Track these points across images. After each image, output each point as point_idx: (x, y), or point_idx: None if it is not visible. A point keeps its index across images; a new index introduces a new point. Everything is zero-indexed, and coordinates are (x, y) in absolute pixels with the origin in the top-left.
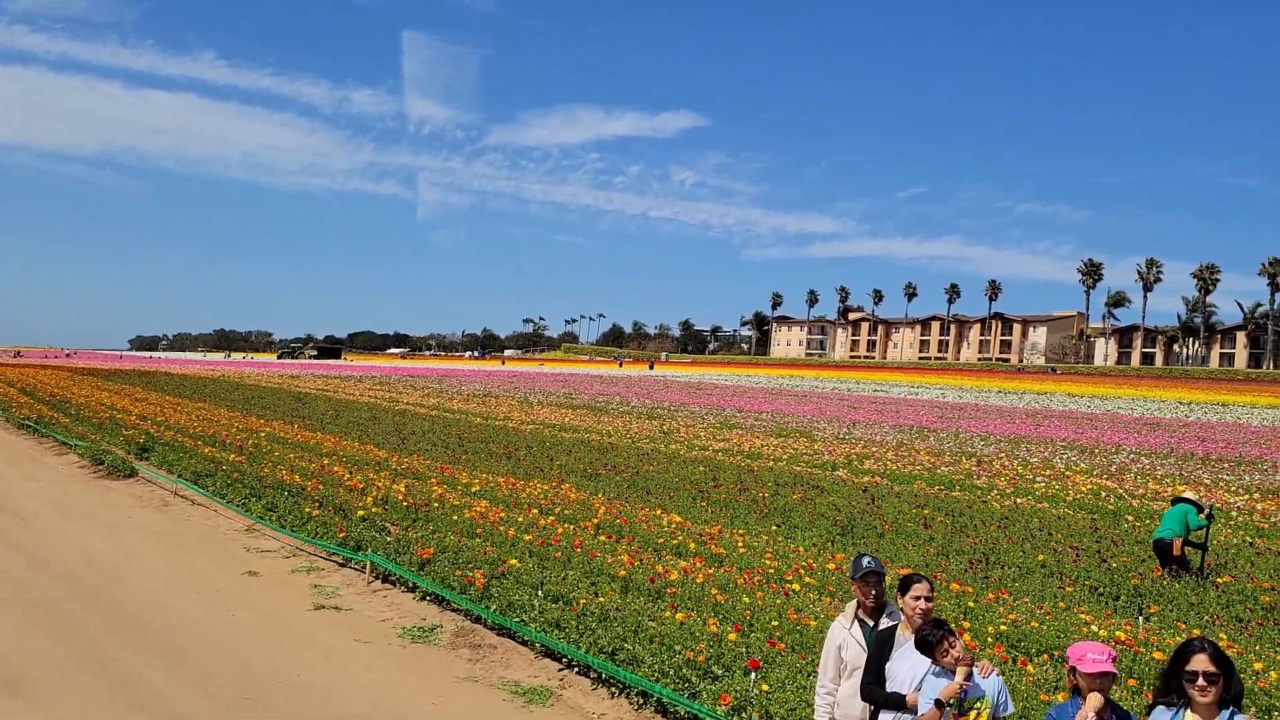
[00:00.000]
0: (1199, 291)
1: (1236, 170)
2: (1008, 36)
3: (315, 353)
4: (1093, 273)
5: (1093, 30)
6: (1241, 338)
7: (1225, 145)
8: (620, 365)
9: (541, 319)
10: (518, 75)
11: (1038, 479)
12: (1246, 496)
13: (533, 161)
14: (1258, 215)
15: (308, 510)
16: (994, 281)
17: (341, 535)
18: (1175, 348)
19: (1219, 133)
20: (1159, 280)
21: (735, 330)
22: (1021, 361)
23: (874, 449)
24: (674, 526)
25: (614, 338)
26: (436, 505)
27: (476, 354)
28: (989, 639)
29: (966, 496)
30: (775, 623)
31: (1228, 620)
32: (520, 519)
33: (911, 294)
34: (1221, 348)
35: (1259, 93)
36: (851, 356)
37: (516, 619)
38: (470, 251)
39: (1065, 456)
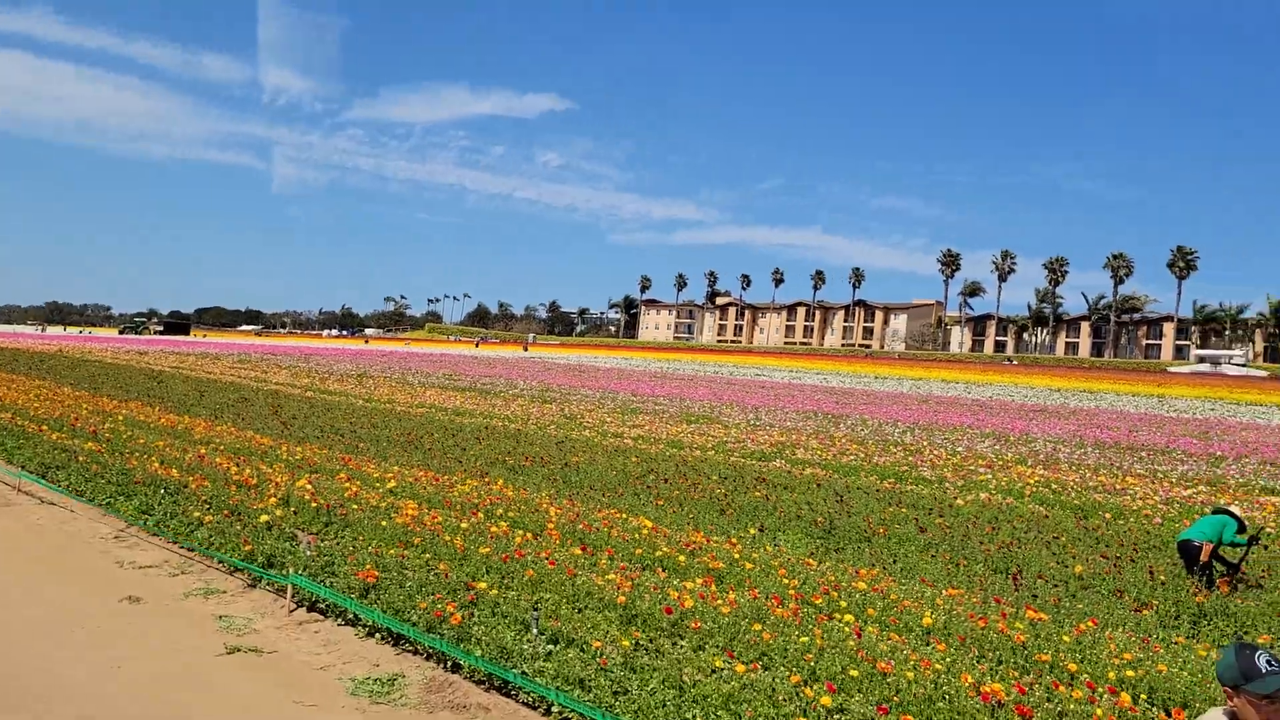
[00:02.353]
0: (1049, 283)
1: (1084, 173)
2: (868, 34)
3: (161, 328)
4: (951, 263)
5: (948, 33)
6: (1086, 327)
7: (1074, 148)
8: (477, 345)
9: (404, 298)
10: (381, 49)
11: (979, 470)
12: (1206, 490)
13: (395, 138)
14: (1103, 213)
15: (195, 514)
16: (857, 270)
17: (247, 547)
18: (1025, 336)
19: (1069, 135)
20: (1013, 271)
21: (603, 313)
22: (883, 347)
23: (794, 436)
24: (647, 533)
25: (479, 318)
26: (354, 506)
27: (347, 332)
28: (1102, 690)
29: (924, 490)
30: (854, 671)
31: None
32: (464, 524)
33: (779, 280)
34: (1067, 337)
35: (1105, 98)
36: (719, 340)
37: (514, 669)
38: (329, 227)
39: (983, 444)
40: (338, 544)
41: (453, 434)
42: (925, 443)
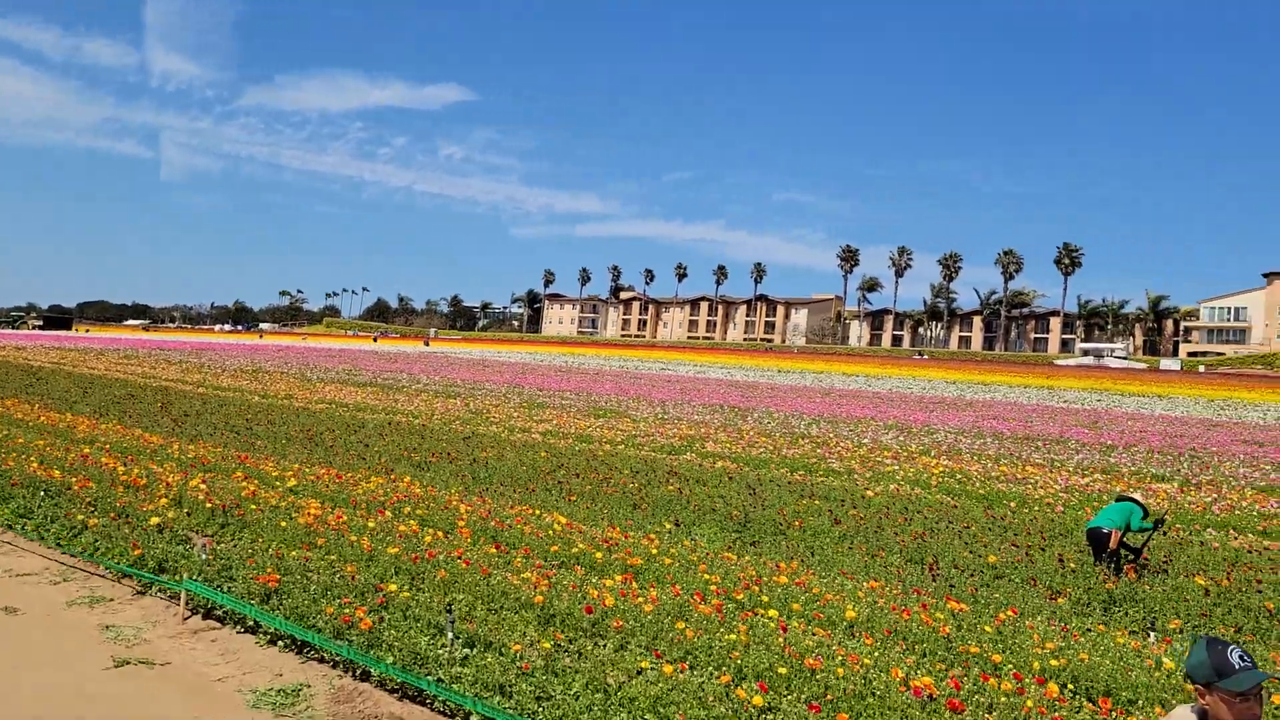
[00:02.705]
0: (943, 279)
1: (977, 169)
2: (772, 28)
3: (41, 323)
4: (850, 259)
5: (847, 30)
6: (978, 322)
7: (968, 146)
8: (375, 340)
9: (300, 292)
10: (275, 35)
11: (886, 461)
12: (1101, 478)
13: (290, 127)
14: (995, 210)
15: (79, 517)
16: (759, 265)
17: (137, 551)
18: (921, 330)
19: (963, 134)
20: (909, 267)
21: (506, 307)
22: (784, 342)
23: (703, 430)
24: (561, 529)
25: (379, 313)
26: (253, 506)
27: (241, 327)
28: (1029, 681)
29: (835, 482)
30: (782, 668)
31: (1228, 624)
32: (370, 524)
33: (682, 275)
34: (961, 331)
35: (997, 96)
36: (623, 335)
37: (429, 676)
38: (220, 218)
39: (888, 436)
40: (235, 546)
41: (355, 430)
42: (832, 435)
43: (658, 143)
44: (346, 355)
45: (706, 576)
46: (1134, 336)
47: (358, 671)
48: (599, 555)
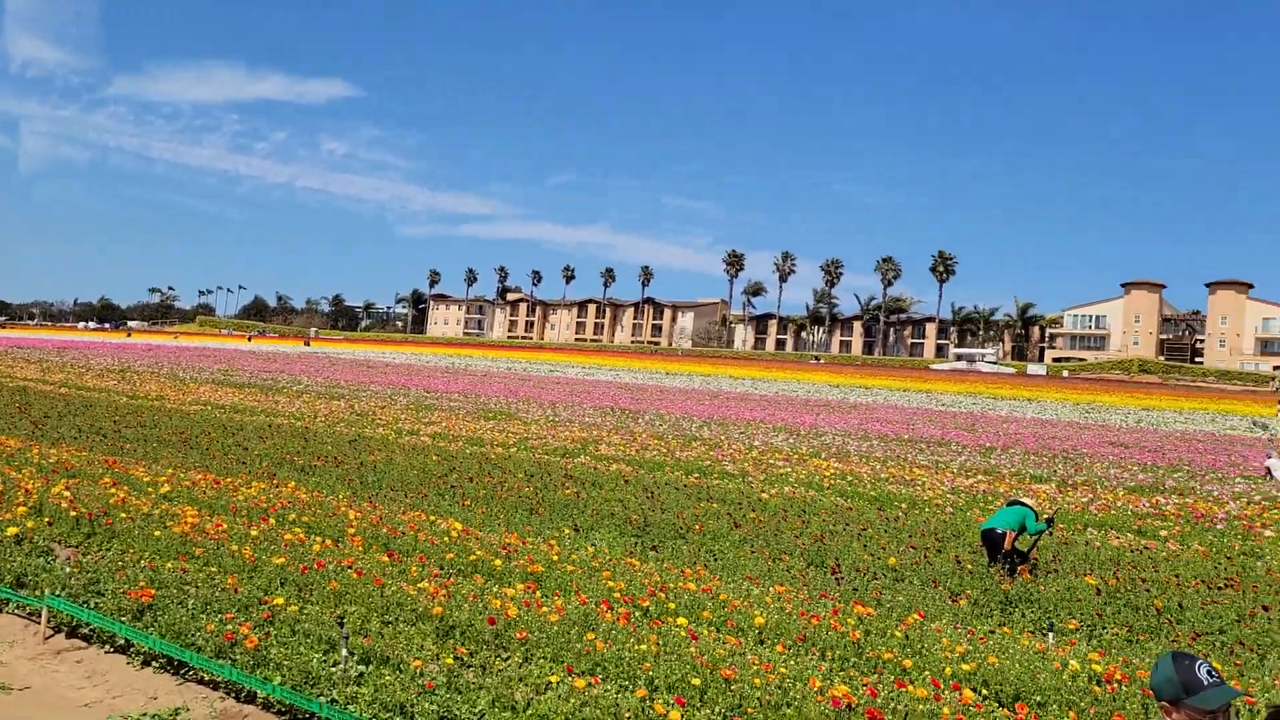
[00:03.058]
0: (825, 284)
1: (857, 179)
2: (653, 29)
3: None
4: (735, 263)
5: (729, 31)
6: (858, 326)
7: (848, 156)
8: (250, 340)
9: (171, 289)
10: (146, 22)
11: (778, 464)
12: (984, 479)
13: (162, 118)
14: (874, 219)
15: None
16: (646, 268)
17: None
18: (803, 334)
19: (844, 144)
20: (793, 272)
21: (390, 307)
22: (671, 344)
23: (595, 432)
24: (457, 535)
25: (256, 311)
26: (122, 515)
27: (108, 325)
28: (946, 687)
29: (730, 485)
30: (696, 679)
31: (1120, 623)
32: (253, 532)
33: (570, 277)
34: (841, 335)
35: (874, 106)
36: (510, 336)
37: (321, 697)
38: (86, 212)
39: (778, 439)
40: (104, 558)
41: (233, 433)
42: (723, 437)
43: (544, 145)
44: (222, 355)
45: (610, 583)
46: (1004, 342)
47: (242, 693)
48: (498, 562)
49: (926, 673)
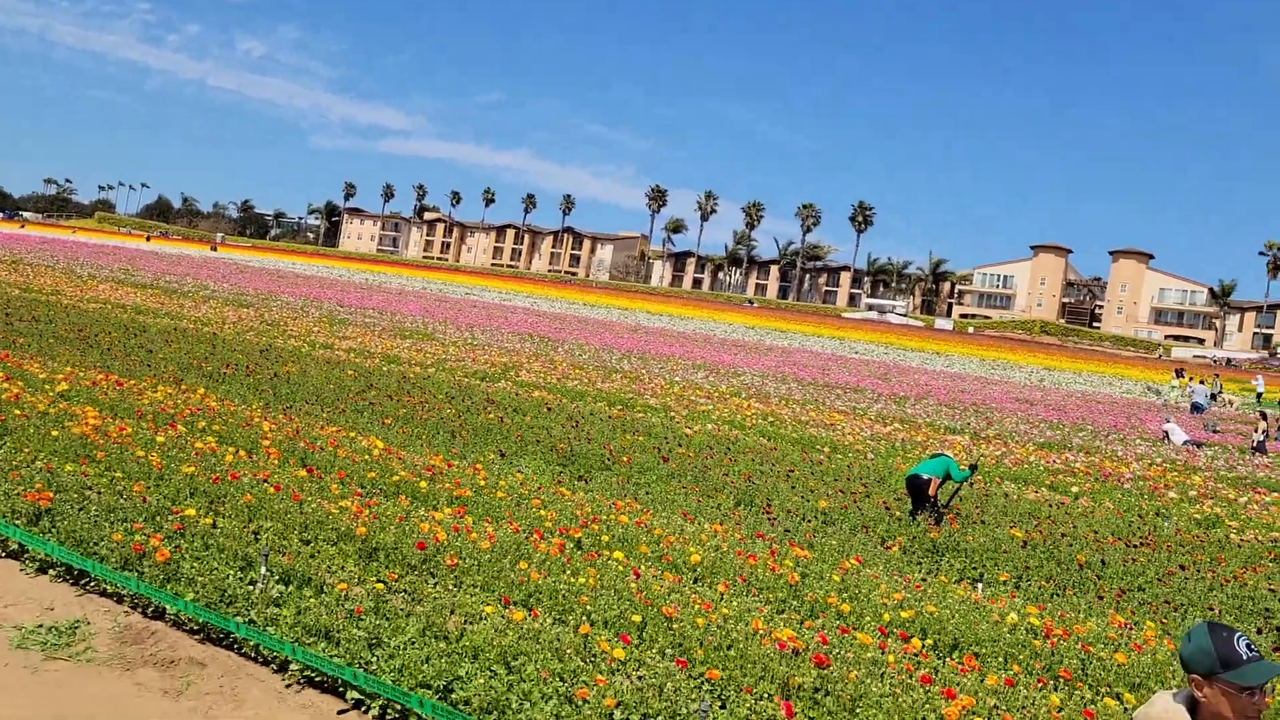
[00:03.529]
0: (746, 226)
1: (783, 125)
2: None
3: None
4: (658, 198)
5: None
6: (775, 271)
7: (776, 101)
8: (148, 240)
9: (69, 181)
10: None
11: (700, 400)
12: (900, 427)
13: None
14: (797, 165)
15: None
16: (568, 196)
17: None
18: (721, 275)
19: (773, 88)
20: (714, 212)
21: (301, 218)
22: (589, 276)
23: (515, 358)
24: (379, 454)
25: (160, 212)
26: (16, 412)
27: (2, 214)
28: (869, 625)
29: (654, 419)
30: (636, 616)
31: (1043, 575)
32: (160, 438)
33: (489, 200)
34: (758, 278)
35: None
36: (425, 257)
37: (238, 617)
38: None
39: (697, 375)
40: None
41: (135, 334)
42: (644, 371)
43: (467, 61)
44: (122, 254)
45: (541, 512)
46: (914, 295)
47: (149, 608)
48: (423, 484)
49: (868, 619)
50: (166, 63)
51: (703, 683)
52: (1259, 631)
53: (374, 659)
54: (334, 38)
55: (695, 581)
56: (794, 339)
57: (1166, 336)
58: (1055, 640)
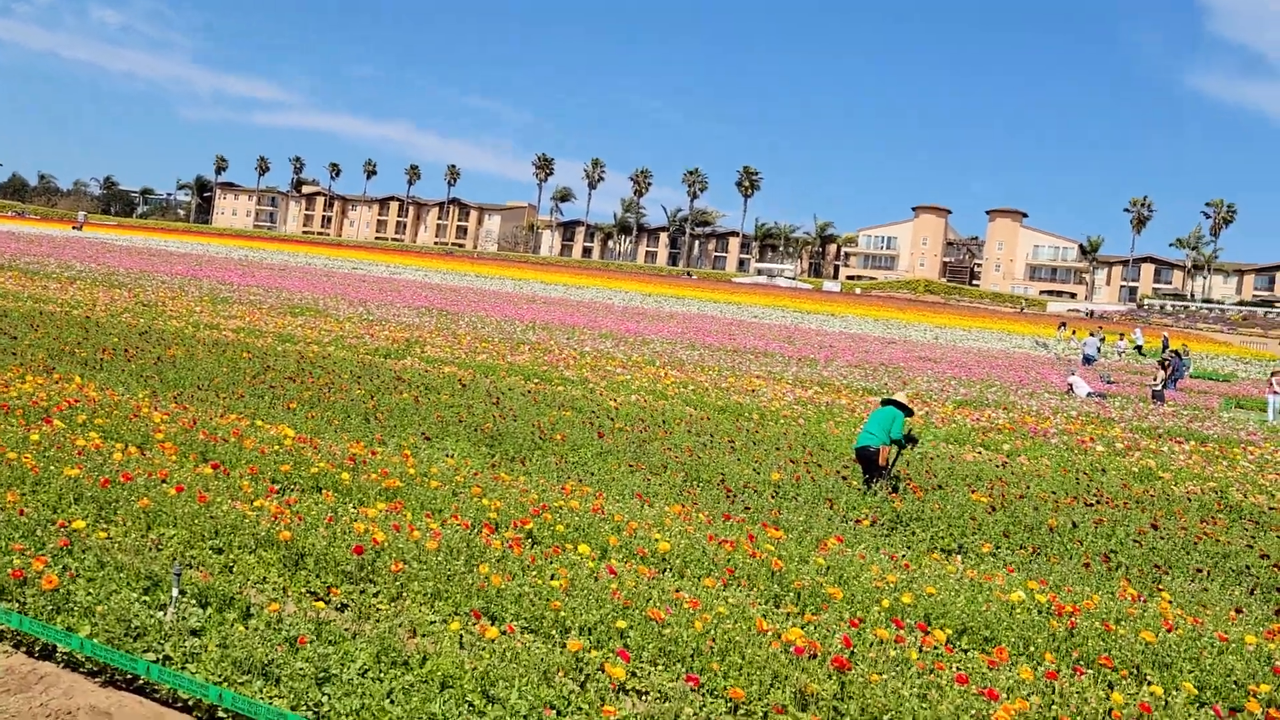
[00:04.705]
0: (634, 194)
1: (663, 95)
2: None
3: None
4: (545, 167)
5: None
6: (664, 238)
7: (657, 70)
8: (80, 228)
9: None
10: None
11: (616, 370)
12: (819, 390)
13: None
14: (684, 131)
15: None
16: (453, 167)
17: None
18: (611, 244)
19: (652, 57)
20: (602, 180)
21: (171, 194)
22: (476, 248)
23: (417, 333)
24: (291, 443)
25: (14, 190)
26: None
27: None
28: (876, 615)
29: (575, 391)
30: (621, 622)
31: (1022, 543)
32: (34, 436)
33: (371, 172)
34: (648, 246)
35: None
36: (305, 232)
37: (149, 654)
38: None
39: (606, 345)
40: None
41: None
42: (551, 342)
43: (338, 32)
44: None
45: (484, 502)
46: (802, 259)
47: (36, 647)
48: (345, 475)
49: (875, 608)
50: (15, 34)
51: (724, 702)
52: (1251, 592)
53: (325, 698)
54: (194, 7)
55: (666, 572)
56: (691, 305)
57: (1041, 292)
58: (1074, 621)
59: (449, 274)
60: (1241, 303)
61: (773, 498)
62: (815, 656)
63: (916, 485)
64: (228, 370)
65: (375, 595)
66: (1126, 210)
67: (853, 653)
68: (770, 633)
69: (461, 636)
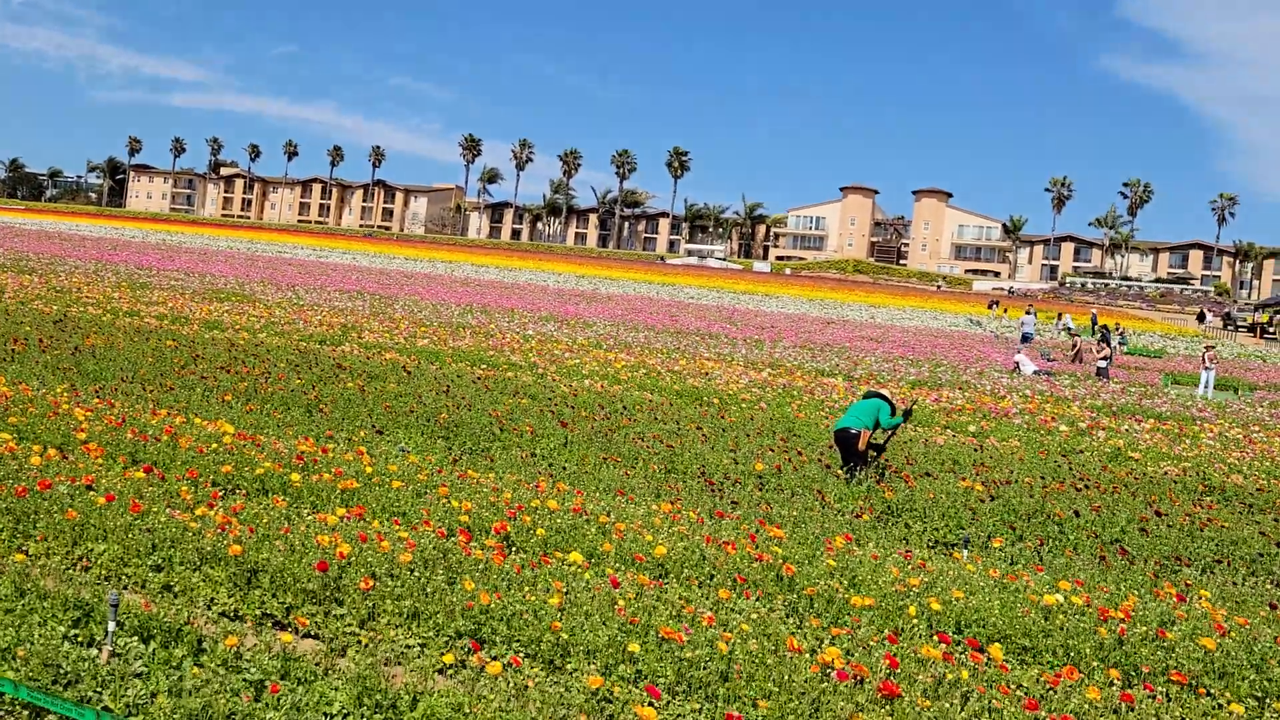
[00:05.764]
0: (563, 175)
1: (589, 75)
2: None
3: None
4: (472, 148)
5: None
6: (594, 219)
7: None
8: None
9: None
10: None
11: (565, 355)
12: (770, 372)
13: None
14: (612, 112)
15: None
16: (378, 148)
17: None
18: (540, 225)
19: (582, 36)
20: (530, 161)
21: (81, 177)
22: (403, 230)
23: (351, 318)
24: (231, 441)
25: None
26: None
27: None
28: (913, 625)
29: (525, 377)
30: (634, 645)
31: (1010, 537)
32: None
33: (292, 153)
34: (577, 227)
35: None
36: (225, 215)
37: (88, 702)
38: None
39: (548, 327)
40: None
41: None
42: (492, 326)
43: (255, 10)
44: None
45: (454, 503)
46: (732, 240)
47: None
48: (295, 476)
49: (900, 616)
50: None
51: None
52: (1279, 585)
53: None
54: None
55: (664, 579)
56: (626, 286)
57: (966, 271)
58: (1125, 627)
59: (377, 257)
60: (1158, 280)
61: (757, 490)
62: (861, 681)
63: (907, 474)
64: (153, 360)
65: (343, 618)
66: (1047, 190)
67: (895, 673)
68: (804, 653)
69: (455, 669)
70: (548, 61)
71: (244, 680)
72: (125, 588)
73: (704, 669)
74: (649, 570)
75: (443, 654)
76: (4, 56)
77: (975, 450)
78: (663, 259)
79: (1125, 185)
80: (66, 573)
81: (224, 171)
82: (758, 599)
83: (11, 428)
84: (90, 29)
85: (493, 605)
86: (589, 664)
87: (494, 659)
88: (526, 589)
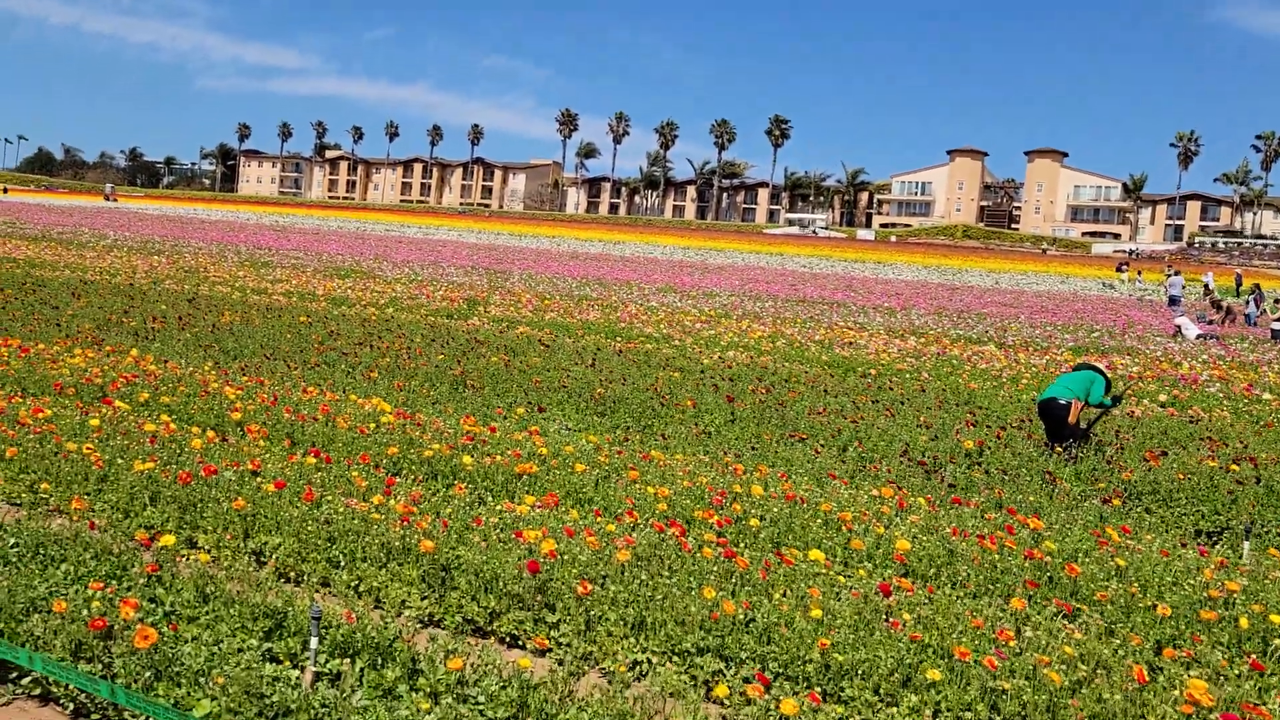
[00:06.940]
0: (660, 147)
1: (687, 46)
2: None
3: None
4: (569, 123)
5: None
6: (691, 191)
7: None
8: (4, 191)
9: None
10: None
11: (697, 326)
12: (916, 340)
13: None
14: (711, 83)
15: None
16: (476, 126)
17: None
18: (637, 199)
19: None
20: (627, 134)
21: (195, 164)
22: (502, 207)
23: (475, 292)
24: (390, 420)
25: (42, 164)
26: None
27: None
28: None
29: (665, 350)
30: (933, 673)
31: (1275, 518)
32: (93, 421)
33: (394, 134)
34: (675, 200)
35: None
36: (330, 197)
37: None
38: None
39: (671, 299)
40: None
41: (33, 289)
42: (613, 298)
43: None
44: (4, 207)
45: (649, 489)
46: (833, 208)
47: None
48: (467, 460)
49: (1255, 639)
50: (35, 9)
51: None
52: None
53: None
54: None
55: (909, 579)
56: (732, 256)
57: (1084, 233)
58: None
59: (482, 233)
60: None
61: (979, 472)
62: None
63: (1150, 451)
64: (292, 336)
65: (557, 626)
66: (1173, 145)
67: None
68: (1160, 686)
69: (733, 703)
70: (643, 34)
71: (482, 715)
72: (300, 582)
73: (1030, 703)
74: (886, 567)
75: (704, 682)
76: (120, 49)
77: (1190, 424)
78: (761, 230)
79: (1259, 138)
80: (246, 572)
81: (329, 155)
82: (1058, 610)
83: (166, 408)
84: (198, 20)
85: (738, 618)
86: (870, 693)
87: (745, 681)
88: (777, 596)
